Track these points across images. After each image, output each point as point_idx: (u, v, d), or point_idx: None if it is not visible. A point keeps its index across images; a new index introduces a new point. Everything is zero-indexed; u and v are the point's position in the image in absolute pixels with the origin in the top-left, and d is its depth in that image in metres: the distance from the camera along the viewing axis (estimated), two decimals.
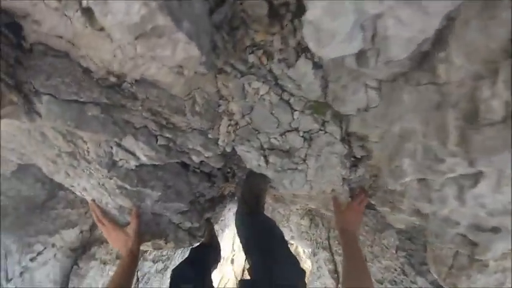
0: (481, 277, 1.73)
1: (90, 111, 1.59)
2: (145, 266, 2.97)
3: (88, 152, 1.73)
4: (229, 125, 1.79)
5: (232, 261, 4.72)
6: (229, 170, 2.11)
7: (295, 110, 1.67)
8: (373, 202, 2.04)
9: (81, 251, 2.47)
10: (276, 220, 2.99)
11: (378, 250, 2.15)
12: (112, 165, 1.74)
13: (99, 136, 1.63)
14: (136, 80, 1.62)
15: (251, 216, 2.11)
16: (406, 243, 2.11)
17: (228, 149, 1.84)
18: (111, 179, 1.73)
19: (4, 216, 2.18)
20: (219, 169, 2.07)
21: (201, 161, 1.94)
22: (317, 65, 1.54)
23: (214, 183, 2.07)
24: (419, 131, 1.26)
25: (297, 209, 2.85)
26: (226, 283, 5.21)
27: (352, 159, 1.86)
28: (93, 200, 1.84)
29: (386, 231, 2.14)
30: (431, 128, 1.19)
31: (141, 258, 2.81)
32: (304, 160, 1.76)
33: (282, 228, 3.14)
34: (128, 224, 1.82)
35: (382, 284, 2.13)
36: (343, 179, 1.87)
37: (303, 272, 1.86)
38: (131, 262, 1.77)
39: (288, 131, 1.73)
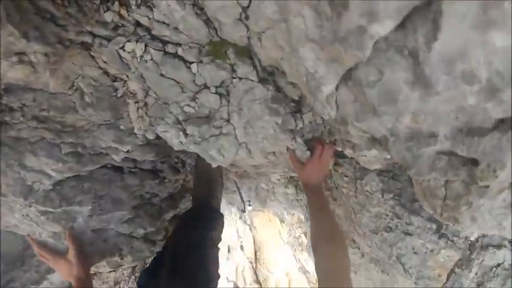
0: (484, 201, 1.00)
1: None
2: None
3: None
4: (138, 108, 1.22)
5: (242, 248, 4.12)
6: (176, 159, 1.53)
7: (191, 63, 1.07)
8: (339, 149, 1.39)
9: None
10: (261, 197, 2.35)
11: (364, 199, 1.52)
12: (28, 191, 1.23)
13: None
14: (4, 89, 1.08)
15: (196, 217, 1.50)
16: (390, 184, 1.48)
17: (151, 136, 1.29)
18: (30, 206, 1.23)
19: None
20: (163, 162, 1.50)
21: (134, 159, 1.37)
22: None
23: (164, 178, 1.50)
24: None
25: (278, 180, 2.24)
26: (242, 270, 4.57)
27: (292, 104, 1.22)
28: (28, 235, 1.32)
29: (366, 176, 1.51)
30: None
31: (133, 277, 2.25)
32: (228, 120, 1.14)
33: (270, 203, 2.50)
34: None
35: (377, 233, 1.49)
36: (291, 130, 1.23)
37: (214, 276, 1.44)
38: None
39: (197, 92, 1.13)
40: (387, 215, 1.46)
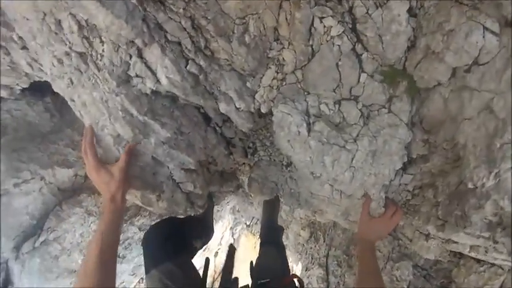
0: None
1: None
2: (130, 231, 2.13)
3: (102, 56, 1.03)
4: (274, 78, 1.09)
5: (216, 254, 3.74)
6: (251, 144, 1.37)
7: (364, 72, 0.98)
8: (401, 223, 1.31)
9: (69, 195, 1.76)
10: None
11: (387, 281, 1.38)
12: (124, 80, 1.04)
13: (120, 26, 0.92)
14: None
15: None
16: (420, 281, 1.39)
17: (264, 109, 1.15)
18: (117, 95, 1.02)
19: (1, 135, 1.60)
20: (240, 139, 1.33)
21: (225, 120, 1.21)
22: (413, 11, 0.88)
23: (231, 154, 1.32)
24: None
25: (301, 218, 2.08)
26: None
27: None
28: (90, 126, 1.07)
29: (401, 261, 1.38)
30: None
31: (128, 222, 1.96)
32: (355, 140, 1.03)
33: None
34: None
35: None
36: (390, 181, 1.14)
37: None
38: (114, 211, 1.04)
39: (346, 99, 1.03)
40: None
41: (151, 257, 1.32)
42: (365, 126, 1.08)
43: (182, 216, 1.28)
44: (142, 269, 2.80)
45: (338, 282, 1.84)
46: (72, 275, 1.91)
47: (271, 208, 2.13)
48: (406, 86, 1.03)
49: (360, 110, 1.07)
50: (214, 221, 1.92)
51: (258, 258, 1.76)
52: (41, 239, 1.79)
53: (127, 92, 1.05)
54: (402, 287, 1.38)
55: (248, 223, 3.59)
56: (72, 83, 1.10)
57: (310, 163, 1.22)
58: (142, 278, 3.49)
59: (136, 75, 1.06)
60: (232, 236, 3.80)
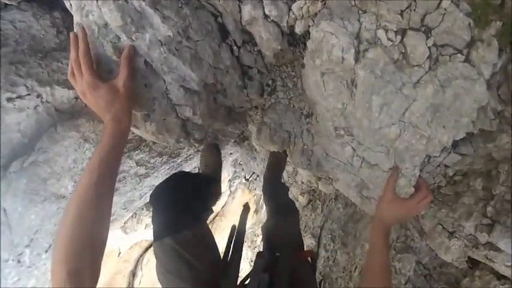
0: None
1: None
2: (126, 165, 1.90)
3: None
4: None
5: None
6: (270, 82, 1.06)
7: None
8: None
9: (67, 117, 1.55)
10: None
11: None
12: None
13: None
14: None
15: None
16: (419, 280, 1.18)
17: (299, 28, 0.84)
18: None
19: (1, 46, 1.41)
20: (259, 72, 1.01)
21: (246, 42, 0.89)
22: None
23: (245, 87, 1.01)
24: None
25: (302, 183, 1.83)
26: None
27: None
28: (83, 29, 0.79)
29: (405, 254, 1.13)
30: None
31: (126, 155, 1.79)
32: (415, 86, 0.72)
33: None
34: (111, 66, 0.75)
35: None
36: (428, 158, 0.85)
37: None
38: (118, 135, 0.76)
39: (414, 29, 0.70)
40: None
41: (165, 221, 1.05)
42: (430, 71, 0.76)
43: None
44: (135, 203, 2.57)
45: (328, 257, 1.61)
46: (60, 201, 1.71)
47: (278, 163, 1.82)
48: (500, 30, 0.70)
49: (429, 48, 0.75)
50: None
51: (275, 227, 1.47)
52: (31, 159, 1.59)
53: None
54: (400, 280, 1.14)
55: (248, 177, 3.38)
56: None
57: (339, 114, 0.92)
58: (135, 213, 3.28)
59: None
60: (230, 188, 3.61)
